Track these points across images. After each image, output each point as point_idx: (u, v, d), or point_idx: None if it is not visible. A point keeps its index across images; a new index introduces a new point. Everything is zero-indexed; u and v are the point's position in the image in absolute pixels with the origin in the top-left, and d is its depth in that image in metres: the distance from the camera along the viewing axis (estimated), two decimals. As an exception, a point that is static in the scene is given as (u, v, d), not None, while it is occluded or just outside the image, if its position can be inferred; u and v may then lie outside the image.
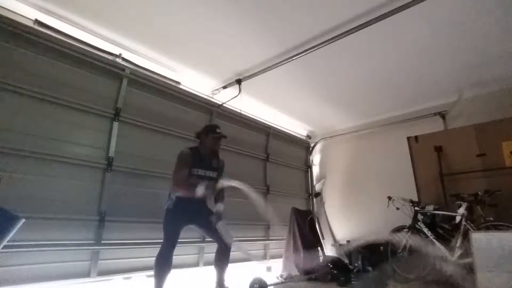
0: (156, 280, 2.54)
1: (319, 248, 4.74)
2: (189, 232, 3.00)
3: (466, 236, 3.33)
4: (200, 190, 2.56)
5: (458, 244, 3.44)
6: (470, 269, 3.22)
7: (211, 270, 2.90)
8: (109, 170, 3.21)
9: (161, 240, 2.67)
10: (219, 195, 2.92)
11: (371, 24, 3.00)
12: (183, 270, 3.64)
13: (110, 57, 3.50)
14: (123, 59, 3.65)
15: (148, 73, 3.82)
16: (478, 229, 3.32)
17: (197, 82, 4.40)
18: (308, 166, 6.53)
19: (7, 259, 2.44)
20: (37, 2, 2.93)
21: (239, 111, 4.79)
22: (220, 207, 2.84)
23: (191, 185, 2.63)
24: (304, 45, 3.49)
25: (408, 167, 4.77)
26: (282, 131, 5.93)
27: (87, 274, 2.92)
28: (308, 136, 6.69)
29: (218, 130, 2.93)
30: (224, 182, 2.79)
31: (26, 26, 2.85)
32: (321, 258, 4.55)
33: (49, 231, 2.71)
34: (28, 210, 2.49)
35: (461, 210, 3.53)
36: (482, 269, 2.79)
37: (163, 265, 2.57)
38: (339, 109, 5.46)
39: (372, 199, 5.25)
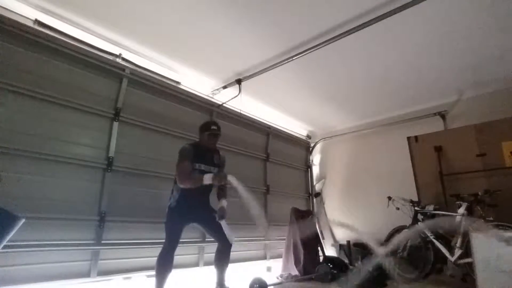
0: (157, 280, 2.54)
1: (319, 248, 4.74)
2: (189, 232, 3.00)
3: (466, 236, 3.33)
4: (207, 177, 2.55)
5: (458, 244, 3.45)
6: (470, 269, 3.22)
7: (211, 270, 2.90)
8: (109, 170, 3.21)
9: (161, 240, 2.67)
10: (222, 192, 2.92)
11: (371, 24, 3.00)
12: (183, 270, 3.63)
13: (110, 57, 3.50)
14: (123, 59, 3.65)
15: (148, 73, 3.82)
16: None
17: (197, 82, 4.40)
18: (308, 166, 6.53)
19: (7, 259, 2.44)
20: (37, 2, 2.93)
21: (239, 111, 4.79)
22: (223, 203, 2.84)
23: (197, 175, 2.63)
24: (304, 45, 3.49)
25: (408, 167, 4.77)
26: (282, 131, 5.93)
27: (87, 274, 2.92)
28: (308, 136, 6.69)
29: (213, 127, 2.90)
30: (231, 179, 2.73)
31: (26, 26, 2.85)
32: (321, 258, 4.55)
33: (49, 231, 2.72)
34: (28, 210, 2.49)
35: (461, 210, 3.53)
36: (482, 269, 2.78)
37: (164, 265, 2.57)
38: (339, 109, 5.46)
39: (372, 199, 5.26)
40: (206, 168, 2.82)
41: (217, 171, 2.83)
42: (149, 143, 3.68)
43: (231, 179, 2.61)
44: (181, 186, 2.69)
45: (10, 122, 2.67)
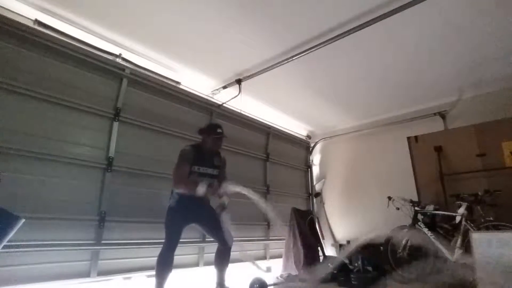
0: (157, 280, 2.54)
1: (319, 248, 4.74)
2: (189, 232, 3.00)
3: (466, 236, 3.33)
4: (201, 189, 2.54)
5: (458, 244, 3.45)
6: (470, 269, 3.22)
7: (211, 270, 2.90)
8: (109, 170, 3.21)
9: (161, 240, 2.67)
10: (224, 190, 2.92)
11: (371, 24, 3.00)
12: (183, 270, 3.63)
13: (110, 57, 3.50)
14: (123, 59, 3.65)
15: (148, 73, 3.83)
16: (478, 229, 3.32)
17: (197, 82, 4.40)
18: (308, 166, 6.53)
19: (7, 259, 2.44)
20: (37, 2, 2.93)
21: (239, 111, 4.79)
22: (225, 199, 2.84)
23: (192, 182, 2.61)
24: (304, 45, 3.49)
25: (408, 167, 4.77)
26: (282, 131, 5.93)
27: (87, 274, 2.92)
28: (308, 136, 6.69)
29: (219, 130, 2.90)
30: (228, 186, 2.77)
31: (26, 26, 2.85)
32: (321, 258, 4.55)
33: (49, 231, 2.71)
34: (28, 210, 2.49)
35: (461, 210, 3.53)
36: (482, 269, 2.78)
37: (164, 265, 2.57)
38: (339, 109, 5.46)
39: (372, 199, 5.25)
40: (206, 171, 2.82)
41: (210, 181, 2.78)
42: (149, 143, 3.67)
43: (229, 187, 2.62)
44: (175, 190, 2.70)
45: (10, 122, 2.67)
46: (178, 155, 2.77)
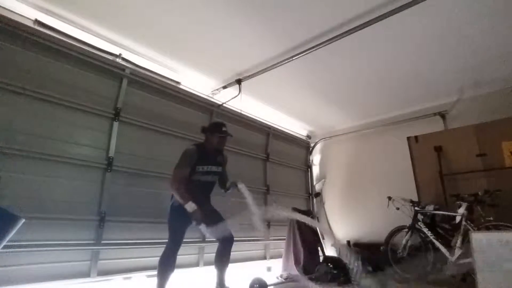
0: (159, 280, 2.54)
1: (319, 248, 4.74)
2: (189, 232, 2.99)
3: (466, 236, 3.33)
4: (190, 207, 2.49)
5: (458, 244, 3.45)
6: (470, 269, 3.22)
7: (211, 270, 2.90)
8: (109, 170, 3.21)
9: (161, 240, 2.67)
10: (224, 182, 3.05)
11: (371, 24, 3.00)
12: (183, 270, 3.63)
13: (110, 57, 3.50)
14: (123, 59, 3.65)
15: (148, 73, 3.83)
16: (478, 229, 3.32)
17: (197, 82, 4.40)
18: (308, 166, 6.53)
19: (7, 259, 2.44)
20: (37, 2, 2.93)
21: (239, 111, 4.79)
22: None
23: (186, 193, 2.57)
24: (304, 45, 3.48)
25: (408, 167, 4.77)
26: (282, 131, 5.93)
27: (87, 274, 2.92)
28: (308, 136, 6.69)
29: (224, 129, 2.91)
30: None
31: (26, 26, 2.85)
32: (321, 258, 4.55)
33: (49, 231, 2.72)
34: (28, 210, 2.49)
35: (461, 210, 3.53)
36: (482, 269, 2.78)
37: (167, 265, 2.56)
38: (339, 109, 5.46)
39: (372, 199, 5.25)
40: (210, 169, 2.85)
41: (213, 179, 2.95)
42: (149, 143, 3.67)
43: (240, 186, 2.76)
44: (170, 189, 2.69)
45: (10, 122, 2.67)
46: (180, 154, 2.77)
